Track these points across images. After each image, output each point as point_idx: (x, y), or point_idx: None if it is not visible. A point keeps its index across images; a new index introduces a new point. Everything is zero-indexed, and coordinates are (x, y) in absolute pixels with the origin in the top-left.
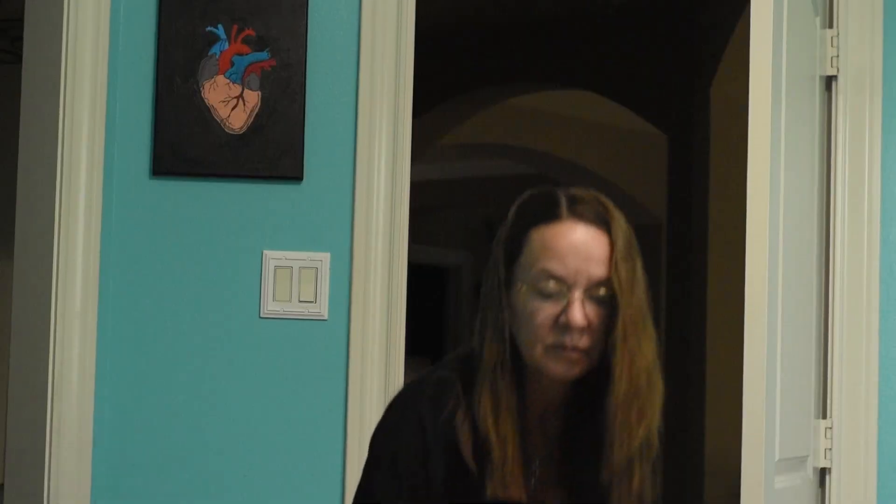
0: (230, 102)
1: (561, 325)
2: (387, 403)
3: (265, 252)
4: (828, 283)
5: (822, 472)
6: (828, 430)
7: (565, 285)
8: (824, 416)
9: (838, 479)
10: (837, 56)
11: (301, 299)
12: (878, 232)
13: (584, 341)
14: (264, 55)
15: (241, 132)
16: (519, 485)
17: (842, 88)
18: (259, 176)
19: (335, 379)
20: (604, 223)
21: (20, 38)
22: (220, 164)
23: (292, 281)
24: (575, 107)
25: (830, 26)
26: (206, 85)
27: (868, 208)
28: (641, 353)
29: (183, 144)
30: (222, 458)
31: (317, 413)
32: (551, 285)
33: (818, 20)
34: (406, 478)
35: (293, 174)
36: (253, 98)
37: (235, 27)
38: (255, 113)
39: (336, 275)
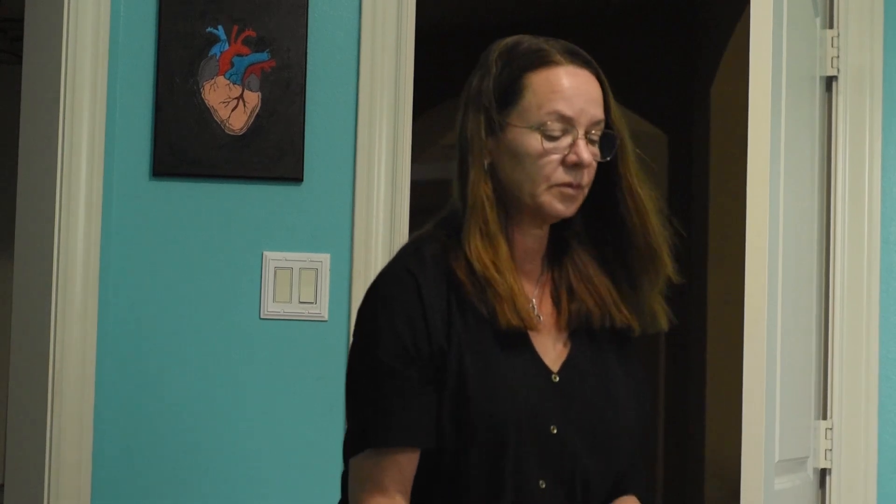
0: (230, 103)
1: (568, 163)
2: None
3: (265, 253)
4: (828, 282)
5: (823, 473)
6: (828, 431)
7: (570, 126)
8: (824, 417)
9: (838, 480)
10: (838, 56)
11: (301, 300)
12: (878, 231)
13: (585, 179)
14: (264, 56)
15: (242, 133)
16: (530, 313)
17: (842, 89)
18: (259, 177)
19: (335, 380)
20: (592, 66)
21: (20, 39)
22: (220, 164)
23: (292, 282)
24: None
25: (831, 27)
26: (207, 86)
27: (868, 208)
28: (644, 185)
29: (183, 145)
30: (222, 458)
31: (317, 414)
32: (558, 126)
33: (818, 21)
34: (407, 336)
35: (293, 175)
36: (253, 99)
37: (235, 28)
38: (255, 114)
39: (336, 276)
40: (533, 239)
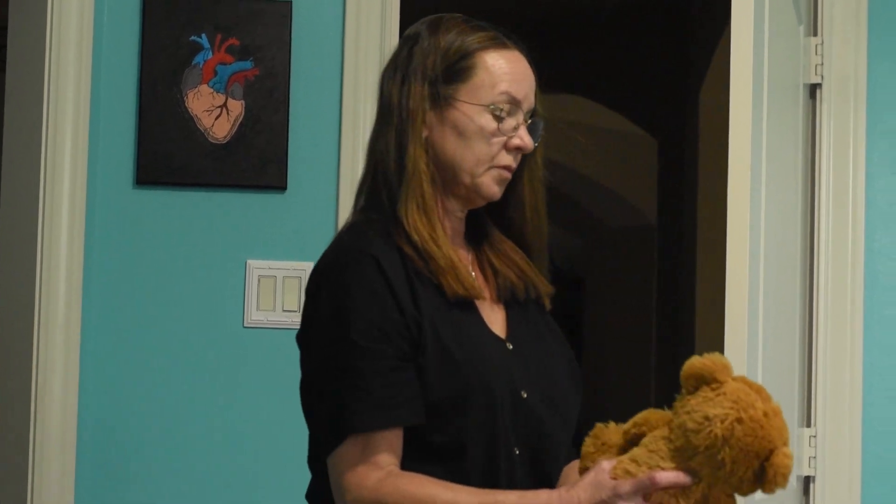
0: (214, 112)
1: (511, 147)
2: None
3: (249, 261)
4: (812, 291)
5: (806, 481)
6: (812, 439)
7: (517, 109)
8: (808, 425)
9: (822, 487)
10: (822, 64)
11: (285, 309)
12: (862, 240)
13: (516, 163)
14: (248, 64)
15: (225, 141)
16: (473, 283)
17: (826, 96)
18: (243, 185)
19: None
20: (527, 54)
21: (3, 47)
22: (203, 173)
23: (276, 290)
24: (566, 111)
25: (815, 34)
26: (190, 94)
27: (852, 216)
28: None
29: (167, 153)
30: (206, 467)
31: (301, 423)
32: (507, 108)
33: (802, 28)
34: (377, 313)
35: (277, 184)
36: (237, 107)
37: (219, 36)
38: (238, 122)
39: None
40: (456, 220)
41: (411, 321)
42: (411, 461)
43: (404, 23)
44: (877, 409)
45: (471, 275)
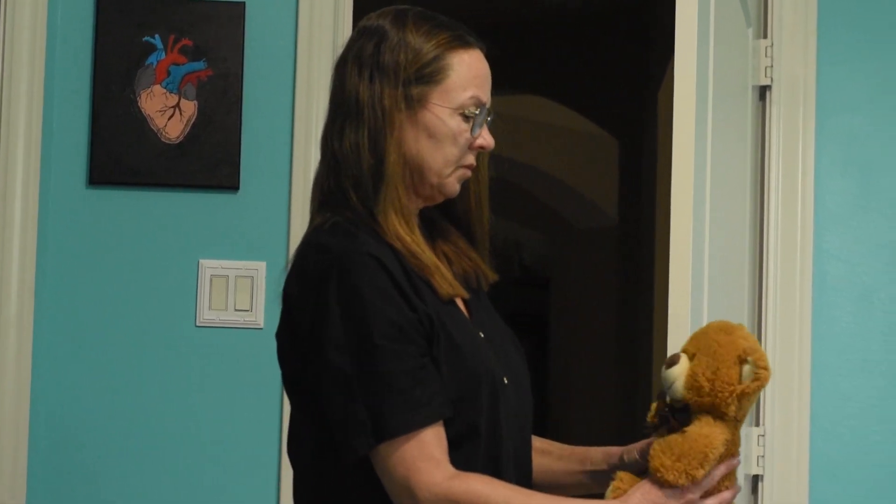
0: (167, 112)
1: (475, 147)
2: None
3: (201, 261)
4: (761, 291)
5: (755, 480)
6: (760, 438)
7: (482, 110)
8: (757, 424)
9: (771, 486)
10: (771, 66)
11: (237, 308)
12: (811, 241)
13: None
14: (201, 65)
15: (178, 142)
16: (455, 280)
17: (776, 98)
18: (195, 185)
19: (271, 387)
20: (485, 51)
21: None
22: (156, 173)
23: (228, 290)
24: (528, 110)
25: (764, 37)
26: (143, 94)
27: (801, 217)
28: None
29: (119, 154)
30: (158, 465)
31: (252, 421)
32: (475, 110)
33: (751, 31)
34: (395, 313)
35: (229, 184)
36: (190, 108)
37: (172, 37)
38: (191, 122)
39: (272, 283)
40: (415, 216)
41: (423, 317)
42: None
43: (357, 21)
44: (825, 409)
45: (450, 273)
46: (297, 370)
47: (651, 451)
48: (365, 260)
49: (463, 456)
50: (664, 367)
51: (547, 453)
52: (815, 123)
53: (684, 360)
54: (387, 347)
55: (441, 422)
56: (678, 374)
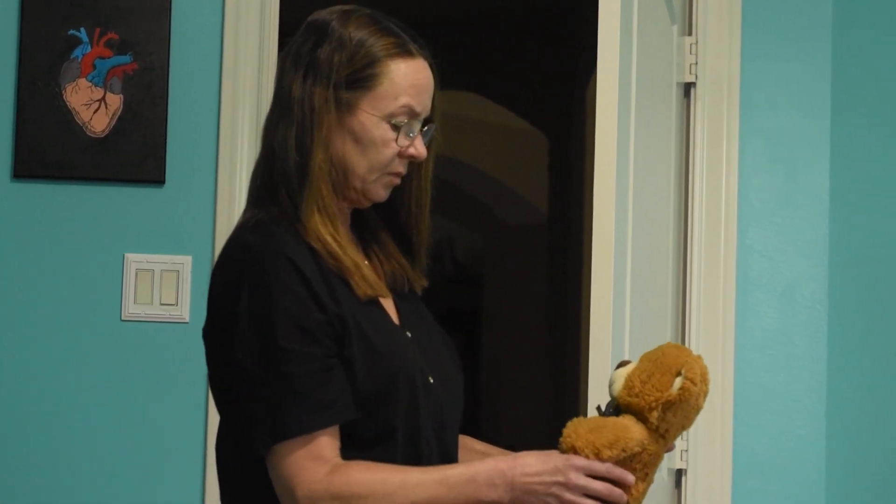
0: (92, 106)
1: (405, 156)
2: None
3: (127, 255)
4: (685, 287)
5: (678, 474)
6: (684, 433)
7: (415, 120)
8: None
9: (694, 480)
10: (696, 63)
11: (162, 302)
12: (734, 237)
13: (405, 170)
14: (127, 59)
15: (104, 135)
16: (378, 281)
17: (700, 95)
18: (121, 179)
19: (196, 381)
20: (430, 58)
21: None
22: (81, 167)
23: (154, 284)
24: (459, 107)
25: (689, 34)
26: (69, 88)
27: (725, 213)
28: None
29: (44, 147)
30: (84, 459)
31: (178, 415)
32: (405, 120)
33: (676, 28)
34: (302, 315)
35: (155, 178)
36: (115, 101)
37: (98, 30)
38: (117, 116)
39: (198, 278)
40: (344, 216)
41: (333, 317)
42: (342, 454)
43: (284, 17)
44: (748, 404)
45: (373, 273)
46: (215, 367)
47: (568, 423)
48: (278, 260)
49: (379, 455)
50: (615, 367)
51: (487, 456)
52: (739, 120)
53: (632, 364)
54: (291, 349)
55: (337, 426)
56: (621, 374)
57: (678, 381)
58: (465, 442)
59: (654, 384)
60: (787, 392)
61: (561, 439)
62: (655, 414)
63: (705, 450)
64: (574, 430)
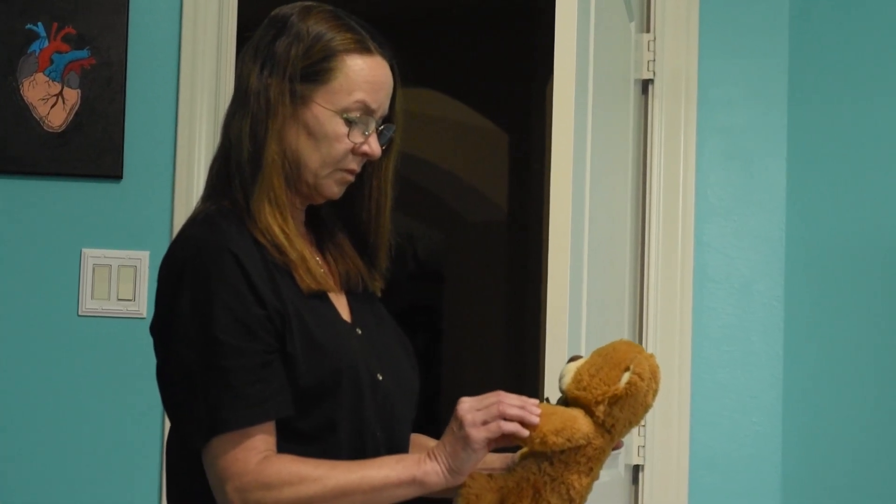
0: (49, 100)
1: (359, 153)
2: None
3: (84, 250)
4: (642, 283)
5: (636, 470)
6: (641, 429)
7: (369, 117)
8: None
9: (651, 476)
10: (654, 60)
11: (120, 297)
12: (691, 232)
13: (360, 167)
14: (84, 53)
15: (61, 130)
16: (325, 277)
17: (658, 92)
18: (78, 174)
19: (154, 377)
20: (390, 58)
21: None
22: (39, 162)
23: (111, 279)
24: (420, 104)
25: (647, 31)
26: (26, 83)
27: (682, 209)
28: (392, 180)
29: (1, 142)
30: (40, 454)
31: (135, 410)
32: (360, 116)
33: (634, 25)
34: (240, 309)
35: (113, 173)
36: (73, 96)
37: (55, 25)
38: (74, 111)
39: (155, 273)
40: (297, 212)
41: (274, 313)
42: (282, 448)
43: (242, 12)
44: (705, 400)
45: (320, 268)
46: (159, 362)
47: None
48: (220, 255)
49: (322, 449)
50: (567, 361)
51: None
52: (696, 117)
53: (584, 359)
54: (229, 344)
55: (273, 422)
56: (571, 368)
57: (626, 377)
58: (419, 440)
59: (602, 378)
60: (743, 388)
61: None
62: (602, 408)
63: (662, 446)
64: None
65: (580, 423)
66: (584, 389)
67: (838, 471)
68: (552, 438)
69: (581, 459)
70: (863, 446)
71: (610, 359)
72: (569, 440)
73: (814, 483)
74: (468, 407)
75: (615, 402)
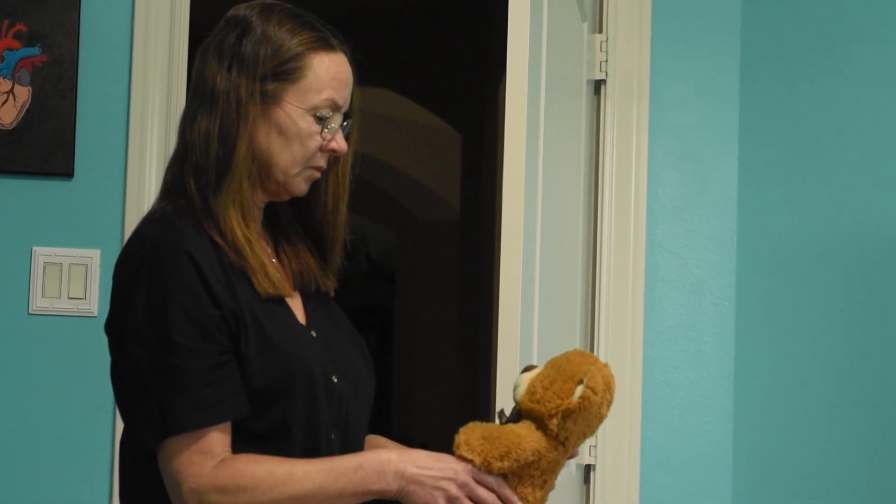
0: (0, 98)
1: (326, 150)
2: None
3: (34, 248)
4: (594, 283)
5: (587, 469)
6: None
7: (336, 114)
8: None
9: (602, 476)
10: (606, 61)
11: (71, 296)
12: (643, 233)
13: (326, 164)
14: (35, 51)
15: (11, 128)
16: (283, 281)
17: (610, 92)
18: (29, 172)
19: (105, 376)
20: (349, 54)
21: None
22: None
23: (62, 277)
24: (373, 103)
25: (600, 31)
26: None
27: (634, 210)
28: (350, 175)
29: None
30: None
31: (86, 410)
32: (329, 113)
33: (586, 25)
34: (195, 310)
35: (64, 171)
36: (24, 94)
37: (6, 22)
38: (25, 108)
39: (106, 272)
40: (258, 211)
41: (229, 314)
42: (236, 448)
43: (195, 9)
44: (656, 400)
45: (277, 273)
46: (113, 361)
47: (462, 428)
48: (176, 254)
49: (275, 451)
50: (521, 371)
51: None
52: (648, 117)
53: (538, 369)
54: (183, 344)
55: (229, 422)
56: (525, 379)
57: (579, 390)
58: (374, 440)
59: (556, 391)
60: (694, 387)
61: (454, 446)
62: (555, 421)
63: (614, 445)
64: (466, 439)
65: (526, 441)
66: (538, 402)
67: (788, 470)
68: (497, 464)
69: (535, 473)
70: (813, 446)
71: (563, 371)
72: (516, 461)
73: (764, 482)
74: (462, 482)
75: (568, 416)
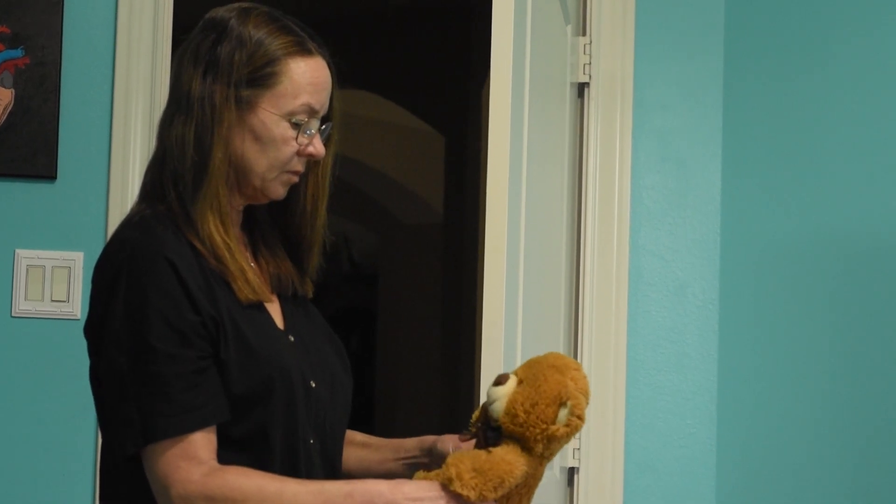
0: None
1: (304, 154)
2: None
3: (17, 251)
4: (578, 286)
5: (571, 472)
6: None
7: (314, 119)
8: None
9: (586, 478)
10: (590, 63)
11: (54, 299)
12: (627, 236)
13: (304, 168)
14: (18, 53)
15: None
16: (262, 287)
17: (594, 95)
18: (12, 174)
19: (87, 379)
20: (328, 57)
21: None
22: None
23: (45, 280)
24: (355, 106)
25: (583, 34)
26: None
27: (618, 212)
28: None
29: None
30: None
31: (69, 413)
32: (305, 118)
33: (570, 28)
34: (174, 316)
35: (47, 173)
36: (6, 96)
37: None
38: (8, 111)
39: (89, 274)
40: (237, 214)
41: (208, 319)
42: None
43: (178, 12)
44: (640, 403)
45: (257, 278)
46: (92, 365)
47: (449, 458)
48: (156, 259)
49: (254, 456)
50: (493, 382)
51: (365, 446)
52: (631, 120)
53: (512, 382)
54: (163, 350)
55: (213, 426)
56: (501, 395)
57: (562, 415)
58: (352, 436)
59: (539, 415)
60: (678, 390)
61: (445, 480)
62: (541, 446)
63: (597, 447)
64: (458, 473)
65: (517, 467)
66: (522, 426)
67: (771, 473)
68: (492, 496)
69: (522, 491)
70: (796, 448)
71: (543, 392)
72: (507, 487)
73: (747, 485)
74: None
75: (553, 439)
